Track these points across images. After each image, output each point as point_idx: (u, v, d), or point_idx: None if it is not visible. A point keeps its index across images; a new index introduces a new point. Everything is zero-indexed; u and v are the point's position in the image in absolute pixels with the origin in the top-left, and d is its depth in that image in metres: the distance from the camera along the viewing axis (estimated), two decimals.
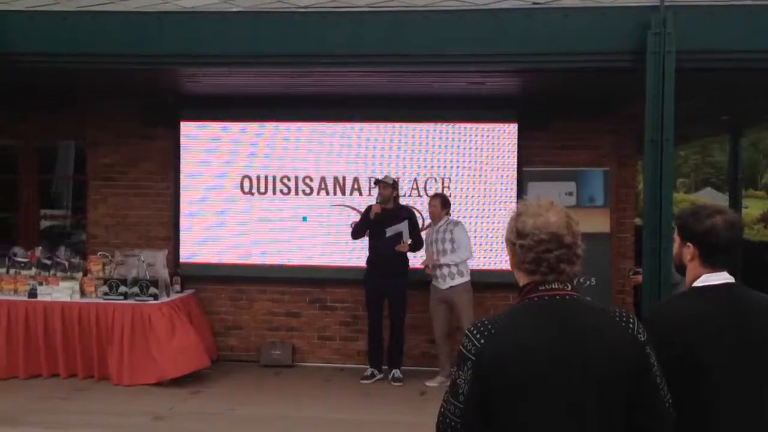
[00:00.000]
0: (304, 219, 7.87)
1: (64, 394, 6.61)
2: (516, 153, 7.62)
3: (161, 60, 5.86)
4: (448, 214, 7.16)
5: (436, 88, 7.24)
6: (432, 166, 7.74)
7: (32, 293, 7.12)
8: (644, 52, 5.13)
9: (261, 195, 7.92)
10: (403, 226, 7.16)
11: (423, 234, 7.39)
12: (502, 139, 7.65)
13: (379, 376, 7.25)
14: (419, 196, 7.75)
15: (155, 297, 7.05)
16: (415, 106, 7.64)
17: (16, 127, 8.11)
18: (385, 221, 7.11)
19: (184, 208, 8.00)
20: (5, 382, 6.84)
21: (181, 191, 8.00)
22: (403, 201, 7.48)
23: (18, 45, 5.75)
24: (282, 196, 7.90)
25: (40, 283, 7.19)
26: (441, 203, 7.14)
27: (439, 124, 7.71)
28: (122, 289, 7.07)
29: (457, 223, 7.12)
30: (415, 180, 7.76)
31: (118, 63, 5.88)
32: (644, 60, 5.13)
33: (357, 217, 7.59)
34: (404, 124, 7.73)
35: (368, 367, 7.31)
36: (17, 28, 5.75)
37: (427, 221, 7.63)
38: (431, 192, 7.66)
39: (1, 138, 8.34)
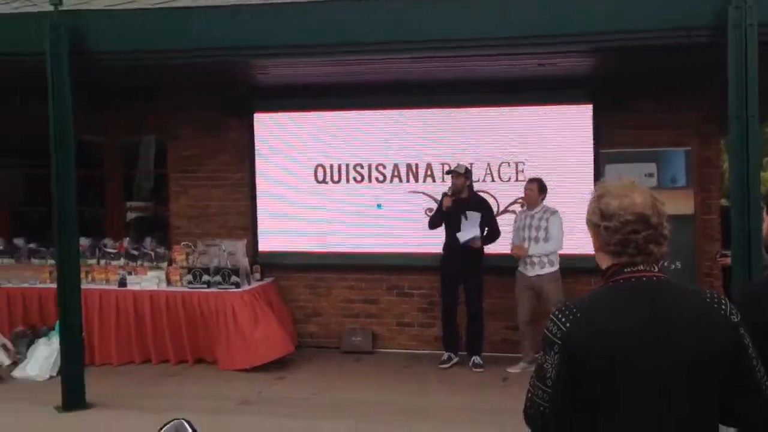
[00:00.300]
0: (379, 206, 7.92)
1: (155, 380, 6.87)
2: (592, 134, 7.45)
3: (229, 53, 5.94)
4: (544, 200, 6.97)
5: (508, 70, 7.14)
6: (505, 150, 7.63)
7: (122, 282, 7.45)
8: (722, 27, 4.95)
9: (335, 183, 8.01)
10: (476, 231, 6.98)
11: (509, 219, 7.26)
12: (577, 120, 7.47)
13: (455, 359, 7.25)
14: (492, 181, 7.66)
15: (237, 285, 7.25)
16: (487, 90, 7.54)
17: (100, 124, 8.39)
18: (459, 211, 7.06)
19: (261, 198, 8.16)
20: (100, 368, 7.15)
21: (256, 181, 8.17)
22: (476, 186, 7.39)
23: (98, 43, 5.90)
24: (355, 184, 7.96)
25: (129, 273, 7.51)
26: (538, 188, 6.93)
27: (511, 108, 7.59)
28: (205, 277, 7.31)
29: (554, 212, 6.87)
30: (489, 165, 7.67)
31: (192, 57, 5.99)
32: (722, 35, 4.95)
33: (431, 203, 7.60)
34: (476, 109, 7.66)
35: (444, 351, 7.33)
36: (96, 27, 5.89)
37: (502, 207, 7.57)
38: (504, 177, 7.59)
39: (88, 135, 8.66)
